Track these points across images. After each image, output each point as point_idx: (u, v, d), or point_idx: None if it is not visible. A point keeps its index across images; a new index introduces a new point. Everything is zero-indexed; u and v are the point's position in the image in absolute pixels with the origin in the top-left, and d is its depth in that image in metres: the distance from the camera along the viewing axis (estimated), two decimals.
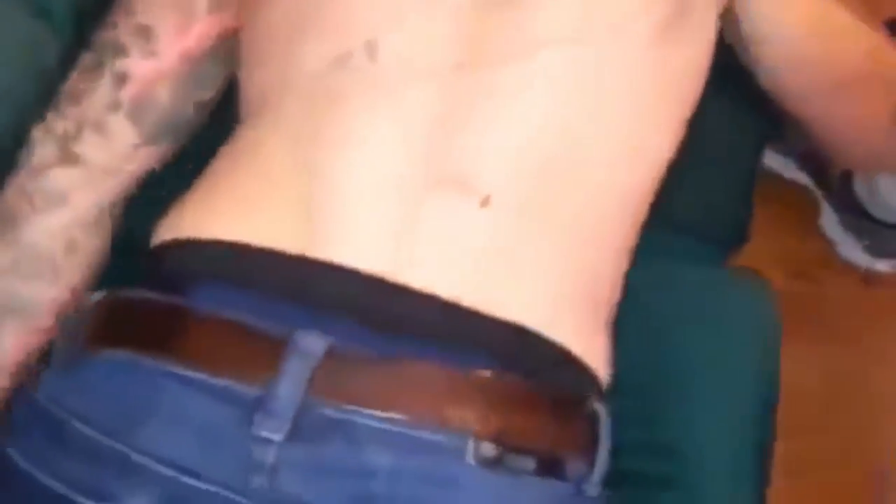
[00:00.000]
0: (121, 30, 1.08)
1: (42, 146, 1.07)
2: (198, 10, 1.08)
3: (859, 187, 1.81)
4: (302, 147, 0.98)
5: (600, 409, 0.98)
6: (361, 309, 0.93)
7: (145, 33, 1.07)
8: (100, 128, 1.07)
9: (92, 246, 1.09)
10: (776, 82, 1.15)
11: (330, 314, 0.93)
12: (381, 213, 0.95)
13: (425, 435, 0.90)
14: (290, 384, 0.90)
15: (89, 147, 1.07)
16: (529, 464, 0.93)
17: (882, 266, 1.83)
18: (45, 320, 1.06)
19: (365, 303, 0.93)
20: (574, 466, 0.95)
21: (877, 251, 1.83)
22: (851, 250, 1.84)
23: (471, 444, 0.90)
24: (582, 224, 0.98)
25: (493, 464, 0.91)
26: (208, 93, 1.10)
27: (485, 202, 0.95)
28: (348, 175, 0.96)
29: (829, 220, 1.86)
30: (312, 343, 0.91)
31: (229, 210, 0.99)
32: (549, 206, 0.96)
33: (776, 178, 1.77)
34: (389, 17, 0.98)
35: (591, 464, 0.96)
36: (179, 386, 0.92)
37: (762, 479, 1.15)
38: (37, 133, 1.08)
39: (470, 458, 0.90)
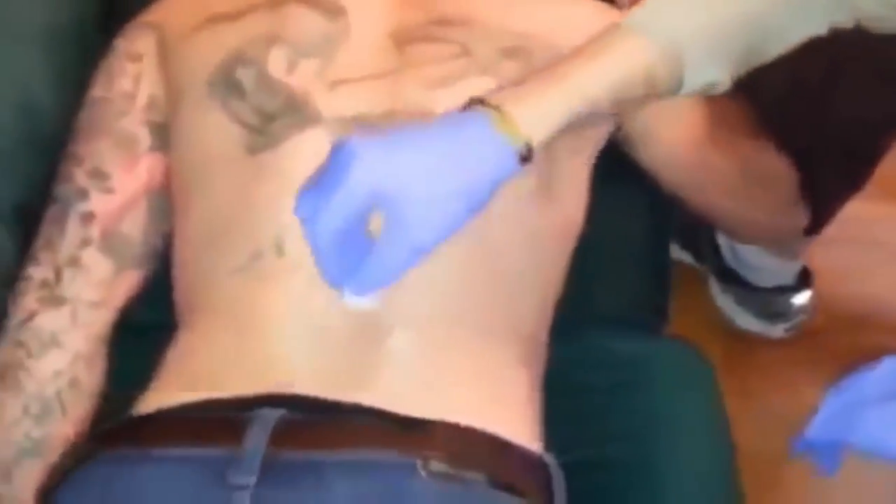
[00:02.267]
0: (76, 178, 1.19)
1: (24, 296, 1.16)
2: (140, 147, 1.20)
3: (728, 257, 1.89)
4: (231, 334, 1.10)
5: (550, 460, 1.08)
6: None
7: (99, 175, 1.18)
8: (75, 263, 1.16)
9: (92, 378, 1.17)
10: (669, 185, 1.28)
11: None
12: (318, 362, 1.06)
13: (379, 458, 1.01)
14: (254, 440, 1.01)
15: (70, 285, 1.16)
16: (479, 477, 1.02)
17: (773, 332, 1.88)
18: (56, 456, 1.12)
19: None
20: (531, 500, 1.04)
21: (766, 316, 1.88)
22: (744, 319, 1.90)
23: (420, 462, 1.00)
24: (476, 345, 1.10)
25: (442, 476, 1.00)
26: (168, 223, 1.20)
27: (389, 332, 1.07)
28: (277, 349, 1.08)
29: (717, 293, 1.93)
30: (269, 412, 1.03)
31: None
32: (447, 334, 1.08)
33: None
34: (291, 222, 1.07)
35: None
36: (153, 465, 1.02)
37: None
38: (19, 286, 1.17)
39: (421, 472, 1.00)
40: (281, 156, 1.12)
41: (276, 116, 1.13)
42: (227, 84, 1.15)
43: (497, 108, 0.99)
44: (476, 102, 1.01)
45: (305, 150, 1.11)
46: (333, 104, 1.13)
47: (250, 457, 1.00)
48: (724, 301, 1.91)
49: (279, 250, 1.09)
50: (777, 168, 1.29)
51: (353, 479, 1.00)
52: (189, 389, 1.08)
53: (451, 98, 1.11)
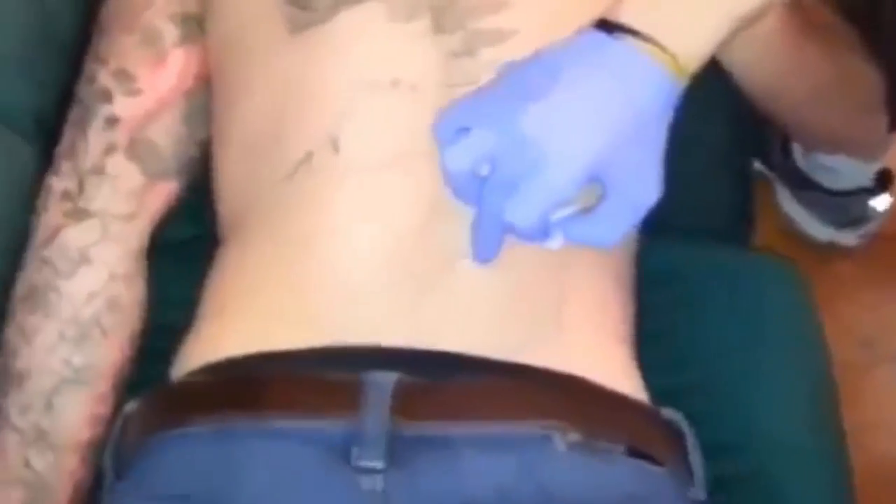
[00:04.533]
0: (100, 78, 1.11)
1: (46, 211, 1.09)
2: (166, 43, 1.11)
3: (799, 159, 1.80)
4: (291, 249, 1.00)
5: (677, 416, 1.02)
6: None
7: (123, 75, 1.10)
8: (100, 172, 1.08)
9: (132, 299, 1.09)
10: (748, 87, 1.20)
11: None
12: (390, 292, 0.97)
13: (513, 431, 0.93)
14: (374, 414, 0.93)
15: (95, 197, 1.08)
16: (618, 448, 0.95)
17: (846, 239, 1.80)
18: (104, 384, 1.06)
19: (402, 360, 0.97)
20: (670, 469, 0.98)
21: (835, 222, 1.81)
22: (815, 226, 1.82)
23: (557, 434, 0.93)
24: (559, 270, 1.00)
25: (581, 447, 0.93)
26: (205, 130, 1.11)
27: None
28: (342, 264, 0.98)
29: (786, 200, 1.85)
30: (382, 378, 0.94)
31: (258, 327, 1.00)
32: (529, 262, 0.98)
33: None
34: (346, 112, 1.00)
35: (688, 469, 1.00)
36: (266, 440, 0.93)
37: (842, 455, 1.15)
38: (39, 200, 1.09)
39: (559, 444, 0.93)
40: (331, 34, 1.02)
41: None
42: None
43: (655, 42, 0.90)
44: (621, 28, 0.90)
45: (358, 28, 1.02)
46: None
47: (374, 434, 0.92)
48: (794, 208, 1.83)
49: (334, 146, 0.99)
50: (864, 68, 1.21)
51: (488, 455, 0.92)
52: (244, 336, 0.98)
53: None
